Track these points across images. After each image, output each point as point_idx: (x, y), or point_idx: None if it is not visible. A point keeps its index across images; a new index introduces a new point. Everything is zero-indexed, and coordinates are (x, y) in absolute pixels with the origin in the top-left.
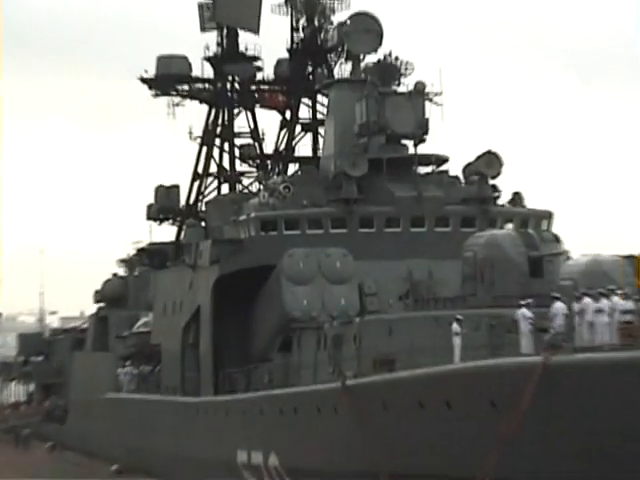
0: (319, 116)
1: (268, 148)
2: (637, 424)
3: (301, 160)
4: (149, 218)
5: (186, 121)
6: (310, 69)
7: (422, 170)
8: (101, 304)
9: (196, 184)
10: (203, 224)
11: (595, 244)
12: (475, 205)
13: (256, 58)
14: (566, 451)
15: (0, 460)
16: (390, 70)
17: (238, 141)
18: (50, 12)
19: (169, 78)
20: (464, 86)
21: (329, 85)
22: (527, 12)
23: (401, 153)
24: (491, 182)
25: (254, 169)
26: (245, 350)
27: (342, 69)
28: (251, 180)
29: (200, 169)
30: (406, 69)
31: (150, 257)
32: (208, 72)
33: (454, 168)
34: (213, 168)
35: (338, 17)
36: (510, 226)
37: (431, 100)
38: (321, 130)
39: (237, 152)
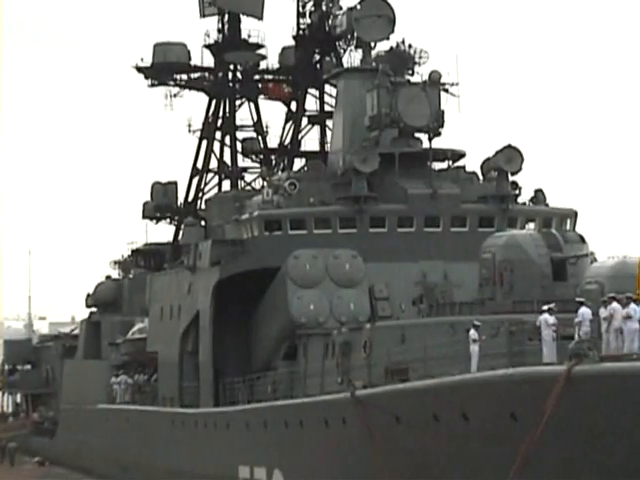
0: (327, 108)
1: (272, 142)
2: None
3: (308, 155)
4: (145, 217)
5: (185, 113)
6: (317, 57)
7: (437, 166)
8: (93, 309)
9: (195, 180)
10: (203, 223)
11: (622, 245)
12: (494, 203)
13: (259, 46)
14: (591, 467)
15: None
16: (403, 58)
17: (240, 134)
18: None
19: (166, 67)
20: (482, 76)
21: (338, 75)
22: None
23: (415, 147)
24: (511, 179)
25: (257, 164)
26: (247, 358)
27: (352, 57)
28: (254, 176)
29: (200, 164)
30: (420, 57)
31: (146, 258)
32: (208, 61)
33: (471, 164)
34: (213, 163)
35: (347, 2)
36: (531, 226)
37: (447, 91)
38: (329, 123)
39: (239, 146)
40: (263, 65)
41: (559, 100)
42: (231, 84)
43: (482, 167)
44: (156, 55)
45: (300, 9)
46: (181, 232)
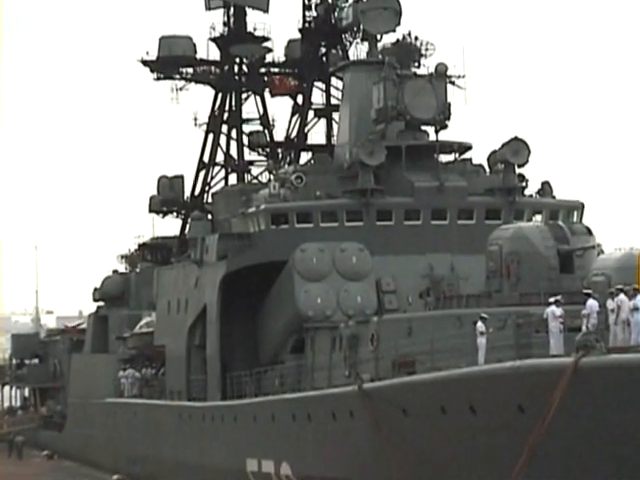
0: (333, 101)
1: (279, 135)
2: None
3: (314, 148)
4: (151, 211)
5: (191, 106)
6: (323, 50)
7: (444, 158)
8: (100, 303)
9: (202, 174)
10: (209, 217)
11: (629, 237)
12: (501, 196)
13: (265, 39)
14: (598, 459)
15: None
16: (409, 51)
17: (246, 128)
18: None
19: (172, 60)
20: (489, 68)
21: (344, 67)
22: None
23: (421, 140)
24: (518, 171)
25: (264, 158)
26: (255, 352)
27: (358, 50)
28: (261, 170)
29: (206, 158)
30: (426, 50)
31: (153, 252)
32: (214, 54)
33: (478, 156)
34: (220, 157)
35: None
36: (538, 218)
37: (453, 83)
38: (335, 116)
39: (245, 140)
40: (269, 58)
41: (566, 92)
42: (237, 77)
43: (489, 159)
44: (162, 48)
45: (306, 2)
46: (188, 226)
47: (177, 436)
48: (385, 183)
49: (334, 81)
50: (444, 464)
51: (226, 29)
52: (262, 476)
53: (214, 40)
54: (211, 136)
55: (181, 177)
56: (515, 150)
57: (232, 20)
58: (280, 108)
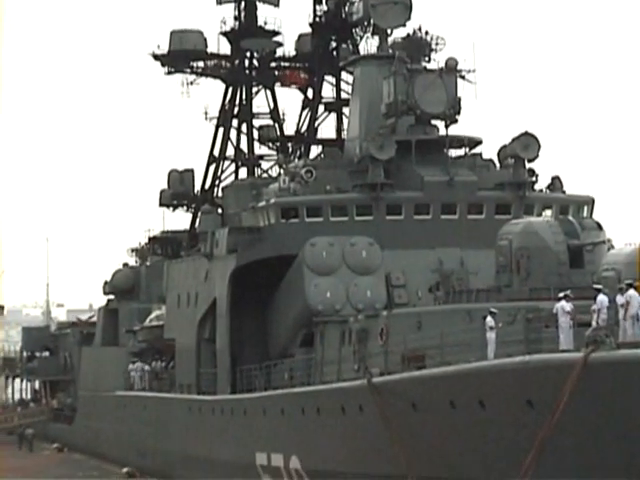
0: (343, 95)
1: (289, 129)
2: None
3: (324, 142)
4: (162, 205)
5: (201, 101)
6: (334, 44)
7: (454, 153)
8: (111, 296)
9: (212, 168)
10: (219, 211)
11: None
12: (511, 190)
13: (276, 33)
14: (607, 454)
15: (3, 463)
16: (420, 45)
17: (257, 122)
18: None
19: (183, 54)
20: (499, 62)
21: (354, 62)
22: None
23: (431, 135)
24: (528, 166)
25: (274, 152)
26: (264, 346)
27: (368, 44)
28: (271, 164)
29: (216, 152)
30: (437, 44)
31: (163, 246)
32: (225, 48)
33: (488, 151)
34: (230, 151)
35: None
36: (548, 213)
37: (463, 78)
38: (345, 110)
39: (256, 134)
40: (280, 52)
41: (576, 87)
42: (247, 71)
43: (499, 154)
44: (173, 42)
45: None
46: (198, 220)
47: (187, 429)
48: (395, 177)
49: (344, 75)
50: (453, 458)
51: (237, 23)
52: (271, 470)
53: (225, 34)
54: (221, 130)
55: (191, 171)
56: (525, 145)
57: (243, 14)
58: (290, 102)
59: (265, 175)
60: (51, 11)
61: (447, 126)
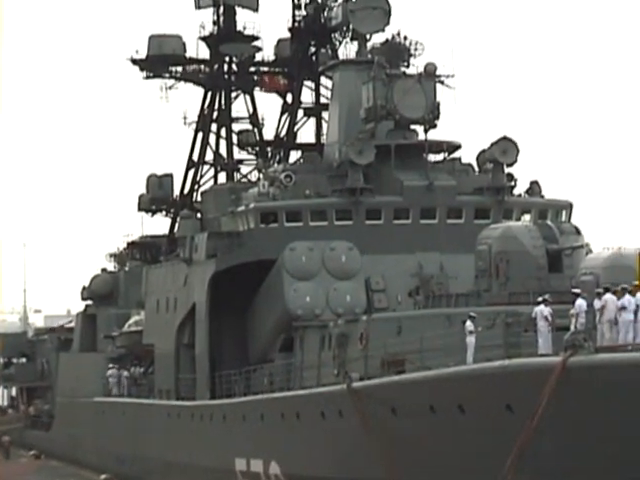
0: (323, 100)
1: (268, 134)
2: None
3: (303, 147)
4: (140, 209)
5: (180, 105)
6: (313, 49)
7: (433, 158)
8: (89, 301)
9: (191, 173)
10: (199, 216)
11: (618, 236)
12: (489, 195)
13: (255, 37)
14: (588, 458)
15: None
16: (398, 50)
17: (236, 127)
18: None
19: (162, 59)
20: (477, 67)
21: (333, 67)
22: None
23: (410, 139)
24: (507, 170)
25: (253, 157)
26: (244, 351)
27: (347, 49)
28: (250, 168)
29: (195, 157)
30: (416, 49)
31: (142, 251)
32: (203, 53)
33: (467, 155)
34: (209, 155)
35: None
36: (527, 217)
37: (442, 83)
38: (325, 115)
39: (235, 138)
40: (259, 57)
41: (554, 91)
42: (226, 76)
43: (478, 159)
44: (151, 47)
45: (295, 1)
46: (177, 224)
47: (165, 435)
48: (374, 182)
49: (323, 80)
50: (433, 463)
51: (216, 28)
52: (251, 475)
53: (204, 39)
54: (200, 135)
55: (170, 176)
56: (504, 149)
57: (222, 19)
58: (269, 107)
59: (244, 180)
60: (27, 14)
61: (426, 131)
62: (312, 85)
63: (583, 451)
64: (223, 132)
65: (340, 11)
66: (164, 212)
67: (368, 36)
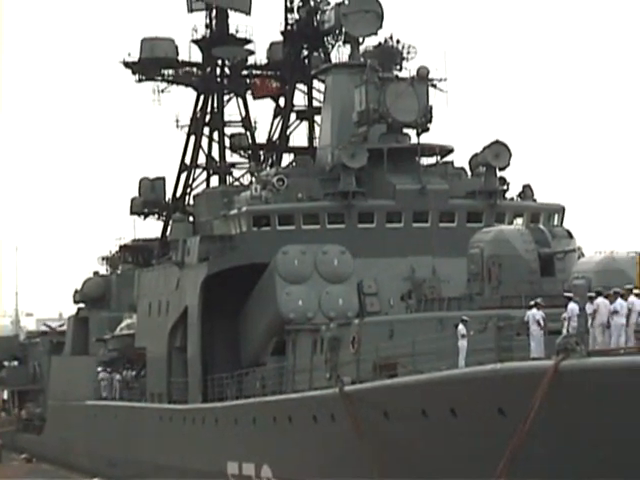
0: (315, 103)
1: (260, 137)
2: None
3: (296, 150)
4: (133, 213)
5: (173, 108)
6: (306, 53)
7: (425, 161)
8: (81, 305)
9: (183, 176)
10: (191, 219)
11: (610, 240)
12: (482, 199)
13: (247, 41)
14: (580, 462)
15: None
16: (391, 54)
17: (228, 130)
18: None
19: (154, 62)
20: (470, 71)
21: (326, 70)
22: None
23: (403, 143)
24: (499, 174)
25: (245, 160)
26: (236, 354)
27: (340, 53)
28: (242, 172)
29: (188, 160)
30: (408, 53)
31: (134, 254)
32: (196, 56)
33: (459, 159)
34: (202, 159)
35: None
36: (519, 221)
37: (435, 86)
38: (317, 118)
39: (227, 142)
40: (251, 60)
41: (547, 95)
42: (219, 79)
43: (470, 162)
44: (144, 50)
45: (288, 4)
46: (169, 228)
47: (157, 439)
48: (367, 186)
49: (316, 84)
50: (425, 467)
51: (208, 31)
52: (243, 479)
53: (196, 42)
54: (193, 138)
55: (162, 179)
56: (496, 153)
57: (214, 22)
58: (262, 110)
59: (237, 183)
60: (20, 17)
61: (419, 134)
62: (305, 88)
63: (575, 454)
64: (215, 135)
65: (333, 14)
66: (156, 215)
67: (361, 39)
